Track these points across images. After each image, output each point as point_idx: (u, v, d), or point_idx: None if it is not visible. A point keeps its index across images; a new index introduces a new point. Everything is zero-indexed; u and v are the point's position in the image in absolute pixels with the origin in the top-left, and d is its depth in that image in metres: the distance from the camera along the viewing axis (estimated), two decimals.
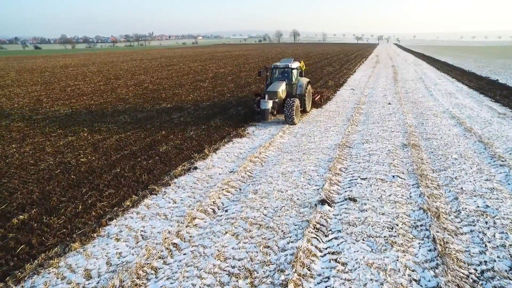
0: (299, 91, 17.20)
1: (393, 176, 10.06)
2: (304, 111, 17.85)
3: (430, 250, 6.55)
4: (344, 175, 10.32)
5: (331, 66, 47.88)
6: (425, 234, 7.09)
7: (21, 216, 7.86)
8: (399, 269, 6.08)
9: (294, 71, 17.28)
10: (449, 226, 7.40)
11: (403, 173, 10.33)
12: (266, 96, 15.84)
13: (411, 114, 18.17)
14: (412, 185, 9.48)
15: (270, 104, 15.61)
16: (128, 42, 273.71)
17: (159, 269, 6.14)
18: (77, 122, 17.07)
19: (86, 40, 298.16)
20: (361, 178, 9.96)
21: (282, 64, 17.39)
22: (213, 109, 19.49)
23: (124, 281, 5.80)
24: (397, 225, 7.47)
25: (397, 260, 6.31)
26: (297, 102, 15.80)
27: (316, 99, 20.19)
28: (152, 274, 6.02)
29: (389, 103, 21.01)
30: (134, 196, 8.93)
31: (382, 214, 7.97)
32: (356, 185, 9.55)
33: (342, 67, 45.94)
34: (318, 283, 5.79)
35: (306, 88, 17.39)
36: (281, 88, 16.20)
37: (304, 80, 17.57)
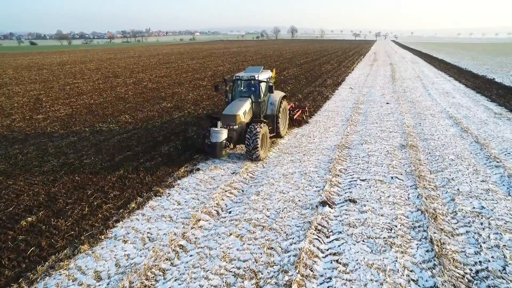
0: (270, 111, 13.22)
1: (392, 178, 10.31)
2: (277, 136, 13.71)
3: (427, 251, 6.80)
4: (344, 176, 10.55)
5: (329, 63, 48.05)
6: (422, 235, 7.35)
7: (29, 218, 8.04)
8: (398, 269, 6.33)
9: (263, 85, 12.86)
10: (445, 227, 7.66)
11: (401, 174, 10.58)
12: (219, 123, 11.20)
13: (409, 114, 18.42)
14: (410, 186, 9.73)
15: (223, 135, 11.00)
16: (125, 38, 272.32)
17: (167, 270, 6.36)
18: (78, 122, 17.18)
19: (83, 36, 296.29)
20: (361, 180, 10.20)
21: (247, 75, 12.86)
22: (213, 109, 19.65)
23: (133, 282, 6.01)
24: (396, 226, 7.72)
25: (396, 260, 6.56)
26: (264, 129, 11.60)
27: (296, 116, 16.22)
28: (160, 275, 6.23)
29: (387, 103, 21.25)
30: (139, 198, 9.13)
31: (381, 215, 8.22)
32: (355, 186, 9.79)
33: (340, 65, 46.13)
34: (321, 284, 6.03)
35: (280, 106, 13.40)
36: (243, 110, 11.78)
37: (277, 96, 13.59)
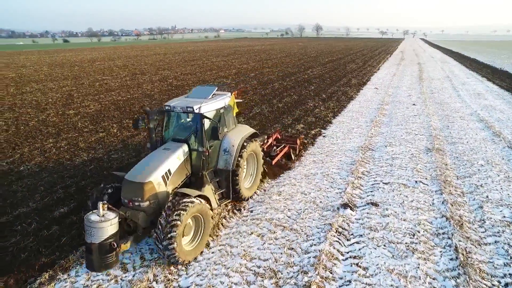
0: (222, 164, 8.19)
1: (416, 182, 10.09)
2: (238, 197, 8.57)
3: (451, 259, 6.65)
4: (366, 178, 10.44)
5: (354, 62, 47.21)
6: (447, 242, 7.18)
7: (62, 209, 8.52)
8: (420, 276, 6.23)
9: (206, 122, 7.73)
10: (472, 235, 7.44)
11: (426, 178, 10.33)
12: (100, 205, 5.86)
13: (436, 116, 17.86)
14: (435, 191, 9.50)
15: (108, 229, 5.79)
16: (151, 35, 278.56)
17: (189, 265, 6.57)
18: (106, 117, 17.85)
19: (111, 33, 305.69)
20: (384, 183, 10.06)
21: (182, 104, 7.70)
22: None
23: (157, 276, 6.27)
24: (419, 232, 7.58)
25: (418, 267, 6.46)
26: (196, 207, 6.49)
27: (276, 160, 10.76)
28: (182, 270, 6.45)
29: (414, 104, 20.70)
30: None
31: (404, 220, 8.09)
32: (378, 189, 9.67)
33: (366, 64, 45.21)
34: (340, 286, 6.04)
35: (240, 156, 8.23)
36: (163, 170, 6.94)
37: (237, 136, 8.50)
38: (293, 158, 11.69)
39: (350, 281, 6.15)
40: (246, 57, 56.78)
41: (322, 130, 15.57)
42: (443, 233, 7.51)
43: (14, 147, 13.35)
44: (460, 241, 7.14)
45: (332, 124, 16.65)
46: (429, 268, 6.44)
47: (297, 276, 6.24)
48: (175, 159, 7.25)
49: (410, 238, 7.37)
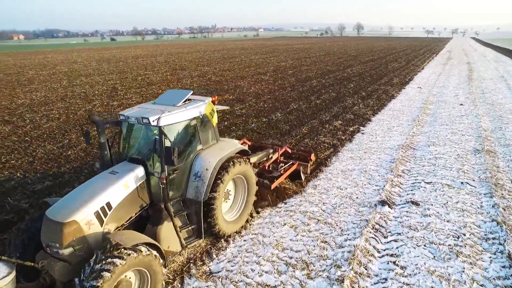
0: (192, 193, 6.30)
1: (462, 183, 9.43)
2: (215, 235, 6.80)
3: (504, 267, 6.10)
4: (406, 177, 9.93)
5: (396, 62, 45.25)
6: (498, 248, 6.61)
7: None
8: (465, 281, 5.79)
9: (167, 142, 5.66)
10: None
11: (473, 180, 9.62)
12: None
13: (487, 117, 16.60)
14: (484, 194, 8.81)
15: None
16: (192, 33, 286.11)
17: (222, 250, 6.62)
18: None
19: (155, 32, 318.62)
20: (425, 182, 9.51)
21: (137, 114, 5.99)
22: (274, 103, 19.77)
23: (191, 259, 6.37)
24: (464, 235, 7.06)
25: (463, 271, 6.01)
26: (126, 264, 4.44)
27: (276, 183, 8.24)
28: (215, 255, 6.51)
29: (461, 104, 19.39)
30: None
31: (447, 221, 7.58)
32: (419, 188, 9.15)
33: (409, 63, 43.15)
34: (375, 283, 5.78)
35: (219, 184, 6.35)
36: (97, 205, 5.15)
37: (214, 157, 6.53)
38: (302, 179, 9.29)
39: (386, 279, 5.86)
40: (285, 55, 56.48)
41: (360, 127, 15.06)
42: (494, 238, 6.93)
43: (64, 133, 14.30)
44: None
45: (371, 121, 16.06)
46: (476, 274, 5.96)
47: (330, 269, 6.06)
48: (120, 188, 5.42)
49: (454, 240, 6.88)
